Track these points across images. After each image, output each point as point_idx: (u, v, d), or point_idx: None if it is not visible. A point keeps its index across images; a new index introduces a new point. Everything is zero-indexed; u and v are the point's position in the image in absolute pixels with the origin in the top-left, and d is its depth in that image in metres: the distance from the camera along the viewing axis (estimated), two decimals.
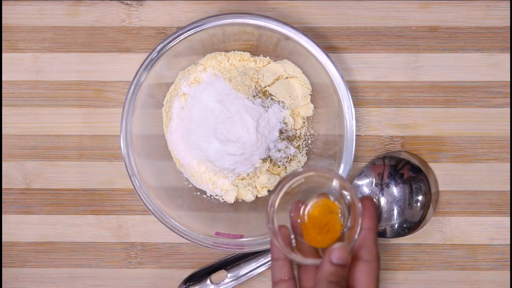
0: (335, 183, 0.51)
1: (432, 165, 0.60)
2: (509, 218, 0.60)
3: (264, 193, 0.59)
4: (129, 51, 0.60)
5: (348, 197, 0.50)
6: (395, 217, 0.58)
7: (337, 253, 0.48)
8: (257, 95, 0.59)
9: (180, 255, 0.61)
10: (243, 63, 0.59)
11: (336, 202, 0.51)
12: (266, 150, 0.59)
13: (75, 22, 0.60)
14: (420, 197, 0.59)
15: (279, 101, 0.59)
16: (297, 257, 0.49)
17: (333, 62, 0.55)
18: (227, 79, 0.58)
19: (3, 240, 0.61)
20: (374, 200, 0.58)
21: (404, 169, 0.59)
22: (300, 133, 0.60)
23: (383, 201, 0.59)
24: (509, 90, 0.60)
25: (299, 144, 0.60)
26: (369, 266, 0.50)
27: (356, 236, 0.48)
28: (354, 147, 0.55)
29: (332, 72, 0.55)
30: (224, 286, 0.59)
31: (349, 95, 0.55)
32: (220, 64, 0.59)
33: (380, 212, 0.58)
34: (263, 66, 0.60)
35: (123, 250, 0.61)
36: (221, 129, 0.58)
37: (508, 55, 0.60)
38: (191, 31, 0.55)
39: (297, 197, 0.51)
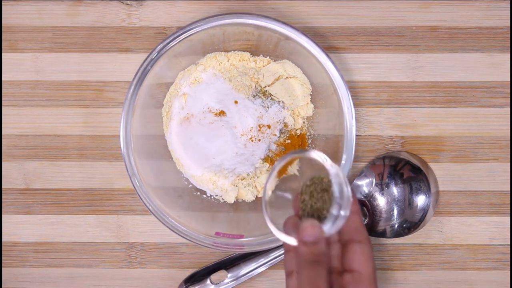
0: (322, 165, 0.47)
1: (432, 165, 0.60)
2: (509, 218, 0.60)
3: None
4: (129, 51, 0.60)
5: (333, 180, 0.47)
6: (395, 217, 0.58)
7: (307, 230, 0.45)
8: (257, 95, 0.59)
9: (180, 255, 0.61)
10: (243, 63, 0.59)
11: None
12: (266, 150, 0.59)
13: (75, 22, 0.60)
14: (420, 197, 0.59)
15: (279, 101, 0.59)
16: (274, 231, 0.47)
17: (333, 62, 0.55)
18: (227, 79, 0.58)
19: (3, 240, 0.61)
20: (373, 200, 0.58)
21: (404, 169, 0.59)
22: (300, 133, 0.60)
23: (383, 201, 0.59)
24: (509, 90, 0.60)
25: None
26: (363, 246, 0.49)
27: (344, 213, 0.46)
28: (354, 147, 0.55)
29: (332, 72, 0.55)
30: (224, 286, 0.59)
31: (349, 95, 0.55)
32: (220, 64, 0.59)
33: (379, 212, 0.58)
34: (263, 66, 0.60)
35: (123, 250, 0.61)
36: (221, 129, 0.58)
37: (508, 55, 0.60)
38: (191, 31, 0.55)
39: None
